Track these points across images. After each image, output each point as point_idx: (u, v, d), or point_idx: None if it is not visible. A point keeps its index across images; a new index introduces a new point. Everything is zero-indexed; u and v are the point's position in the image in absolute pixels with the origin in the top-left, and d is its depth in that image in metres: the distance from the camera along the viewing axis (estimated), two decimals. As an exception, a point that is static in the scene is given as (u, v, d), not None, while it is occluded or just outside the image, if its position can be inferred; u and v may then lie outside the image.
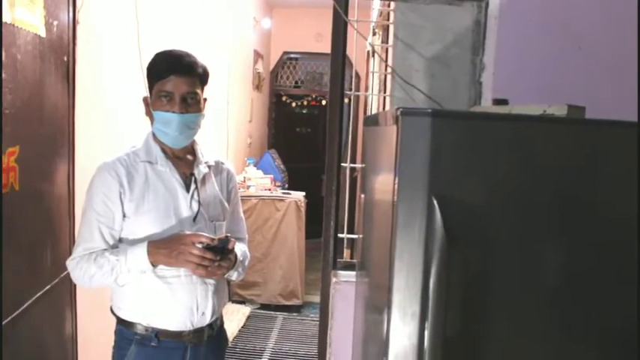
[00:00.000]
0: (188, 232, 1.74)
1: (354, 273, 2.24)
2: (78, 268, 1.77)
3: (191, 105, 1.79)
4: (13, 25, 1.85)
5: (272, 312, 5.18)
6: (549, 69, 2.07)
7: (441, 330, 1.18)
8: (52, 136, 2.22)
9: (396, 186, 1.24)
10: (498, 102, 1.78)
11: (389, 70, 2.44)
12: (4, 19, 1.76)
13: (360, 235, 2.18)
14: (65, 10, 2.28)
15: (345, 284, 2.24)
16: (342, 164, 2.38)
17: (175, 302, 1.79)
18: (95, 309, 2.33)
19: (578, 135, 1.26)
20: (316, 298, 5.68)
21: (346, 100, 8.45)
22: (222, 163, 2.02)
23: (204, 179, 1.90)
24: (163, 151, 1.84)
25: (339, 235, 2.40)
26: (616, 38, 1.99)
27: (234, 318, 4.83)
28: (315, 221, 6.82)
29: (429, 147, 1.20)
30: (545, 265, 1.27)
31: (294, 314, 5.19)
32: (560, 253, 1.27)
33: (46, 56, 2.12)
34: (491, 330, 1.28)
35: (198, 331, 1.85)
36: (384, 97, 2.84)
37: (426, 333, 1.19)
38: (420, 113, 1.21)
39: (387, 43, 2.77)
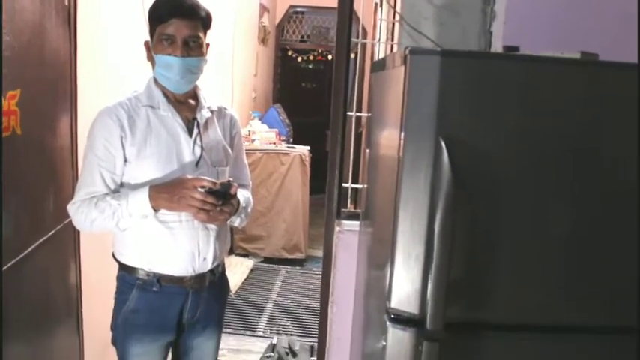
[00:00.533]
0: (190, 177, 1.72)
1: (357, 222, 2.23)
2: (79, 212, 1.76)
3: (193, 49, 1.76)
4: (12, -36, 1.80)
5: (275, 265, 5.23)
6: (561, 18, 2.01)
7: (446, 274, 1.17)
8: (53, 81, 2.19)
9: (403, 128, 1.21)
10: (509, 49, 1.73)
11: (397, 17, 2.38)
12: (2, -43, 1.71)
13: (365, 186, 2.16)
14: (66, -50, 2.22)
15: (349, 233, 2.23)
16: (348, 113, 2.35)
17: (177, 247, 1.79)
18: (99, 256, 2.33)
19: (591, 77, 1.22)
20: (319, 252, 5.71)
21: (352, 56, 8.34)
22: (226, 109, 2.00)
23: (206, 124, 1.88)
24: (165, 95, 1.81)
25: (344, 185, 2.38)
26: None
27: (238, 270, 4.87)
28: (319, 177, 6.81)
29: (437, 87, 1.17)
30: (553, 213, 1.25)
31: (297, 267, 5.24)
32: (568, 202, 1.25)
33: (46, -1, 2.07)
34: (495, 276, 1.27)
35: (199, 277, 1.85)
36: (392, 46, 2.78)
37: (430, 276, 1.17)
38: (429, 52, 1.18)
39: (396, -10, 2.69)
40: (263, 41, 6.83)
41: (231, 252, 5.33)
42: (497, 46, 2.18)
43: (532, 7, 2.06)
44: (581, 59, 1.27)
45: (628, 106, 1.23)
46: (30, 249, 1.99)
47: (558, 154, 1.24)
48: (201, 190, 1.68)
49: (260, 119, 5.86)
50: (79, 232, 2.39)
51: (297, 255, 5.32)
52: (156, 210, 1.72)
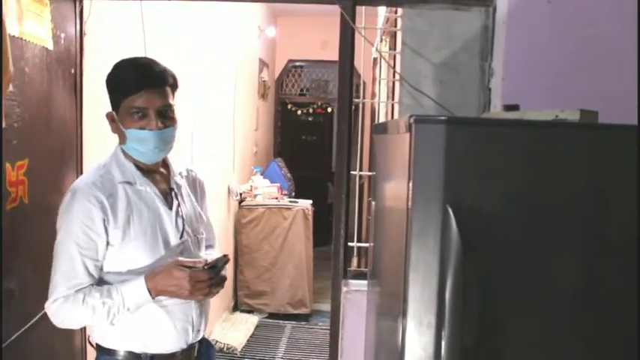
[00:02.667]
0: (185, 265, 1.63)
1: (364, 282, 2.22)
2: (62, 310, 1.58)
3: (167, 118, 1.64)
4: (21, 38, 1.85)
5: (280, 321, 5.16)
6: (559, 73, 2.06)
7: (459, 340, 1.16)
8: (60, 149, 2.22)
9: (410, 195, 1.22)
10: (509, 108, 1.76)
11: (397, 77, 2.43)
12: (12, 33, 1.76)
13: (371, 244, 2.16)
14: (72, 22, 2.29)
15: (356, 293, 2.22)
16: (352, 172, 2.37)
17: (172, 325, 1.70)
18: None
19: (592, 140, 1.24)
20: (324, 307, 5.68)
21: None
22: (192, 171, 1.90)
23: (180, 192, 1.78)
24: (137, 167, 1.68)
25: (349, 244, 2.38)
26: (625, 41, 1.97)
27: (243, 327, 4.81)
28: (321, 230, 6.84)
29: (443, 155, 1.19)
30: (563, 273, 1.25)
31: (303, 323, 5.17)
32: (577, 261, 1.25)
33: (53, 69, 2.12)
34: (508, 339, 1.26)
35: (190, 348, 1.76)
36: (392, 105, 2.82)
37: (443, 343, 1.17)
38: (433, 121, 1.20)
39: (395, 50, 2.75)
40: (263, 96, 6.94)
41: (235, 308, 5.27)
42: (496, 102, 2.22)
43: (529, 63, 2.11)
44: (581, 123, 1.29)
45: (627, 165, 1.24)
46: (37, 317, 1.98)
47: (563, 216, 1.25)
48: (206, 276, 1.62)
49: (262, 174, 5.90)
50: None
51: (303, 310, 5.26)
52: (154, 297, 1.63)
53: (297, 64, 8.17)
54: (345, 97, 2.32)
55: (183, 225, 1.73)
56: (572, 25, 2.04)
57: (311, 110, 8.55)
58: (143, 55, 1.71)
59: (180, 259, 1.64)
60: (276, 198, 5.48)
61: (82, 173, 2.40)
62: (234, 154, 5.26)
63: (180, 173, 1.81)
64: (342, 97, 2.33)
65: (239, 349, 4.38)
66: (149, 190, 1.67)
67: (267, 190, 5.51)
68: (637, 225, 1.25)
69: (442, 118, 1.19)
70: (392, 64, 2.66)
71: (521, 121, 1.30)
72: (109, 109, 1.67)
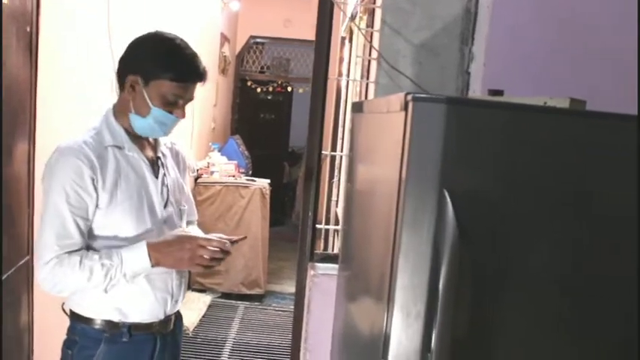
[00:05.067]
0: (192, 235, 1.66)
1: (332, 265, 2.15)
2: (55, 273, 1.53)
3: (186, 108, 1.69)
4: (-27, -13, 1.68)
5: (233, 301, 5.06)
6: (542, 60, 2.01)
7: (450, 331, 1.10)
8: (11, 112, 2.05)
9: (403, 178, 1.14)
10: (494, 93, 1.71)
11: (373, 55, 2.35)
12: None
13: (341, 227, 2.09)
14: (29, -24, 2.11)
15: (324, 277, 2.14)
16: (323, 152, 2.28)
17: (152, 293, 1.68)
18: (54, 300, 2.17)
19: (601, 128, 1.19)
20: (278, 287, 5.62)
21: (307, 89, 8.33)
22: (175, 144, 1.91)
23: (166, 162, 1.80)
24: (127, 132, 1.68)
25: (317, 226, 2.31)
26: (613, 27, 1.94)
27: (195, 307, 4.69)
28: (276, 209, 6.75)
29: (442, 136, 1.11)
30: (561, 263, 1.20)
31: (256, 303, 5.09)
32: (577, 252, 1.20)
33: (6, 25, 1.95)
34: (501, 330, 1.20)
35: (167, 320, 1.76)
36: (367, 84, 2.74)
37: (434, 335, 1.10)
38: (433, 99, 1.12)
39: (372, 27, 2.67)
40: (223, 71, 6.75)
41: (187, 287, 5.14)
42: (475, 87, 2.17)
43: (512, 49, 2.06)
44: (594, 112, 1.23)
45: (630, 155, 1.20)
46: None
47: (563, 204, 1.20)
48: (213, 249, 1.61)
49: (219, 151, 5.75)
50: (32, 274, 2.22)
51: (257, 290, 5.17)
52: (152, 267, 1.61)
53: (259, 40, 8.00)
54: (320, 73, 2.23)
55: (168, 194, 1.73)
56: (559, 11, 2.00)
57: (271, 88, 8.42)
58: (179, 39, 1.68)
59: (190, 233, 1.67)
60: (234, 176, 5.36)
61: (34, 141, 2.24)
62: (193, 129, 5.10)
63: (165, 144, 1.81)
64: (316, 73, 2.24)
65: (191, 329, 4.26)
66: (137, 157, 1.69)
67: (224, 168, 5.37)
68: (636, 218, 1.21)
69: (442, 97, 1.11)
70: (369, 41, 2.58)
71: (529, 106, 1.24)
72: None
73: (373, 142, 1.54)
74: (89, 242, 1.60)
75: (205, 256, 1.60)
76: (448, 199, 1.11)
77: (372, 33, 2.40)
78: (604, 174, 1.21)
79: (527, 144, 1.17)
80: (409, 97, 1.14)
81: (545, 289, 1.21)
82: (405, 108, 1.16)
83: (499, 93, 1.70)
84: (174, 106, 1.63)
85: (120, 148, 1.65)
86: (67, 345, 1.68)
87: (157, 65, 1.60)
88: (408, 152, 1.14)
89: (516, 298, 1.20)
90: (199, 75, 1.64)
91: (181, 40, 1.68)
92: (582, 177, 1.20)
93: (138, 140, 1.71)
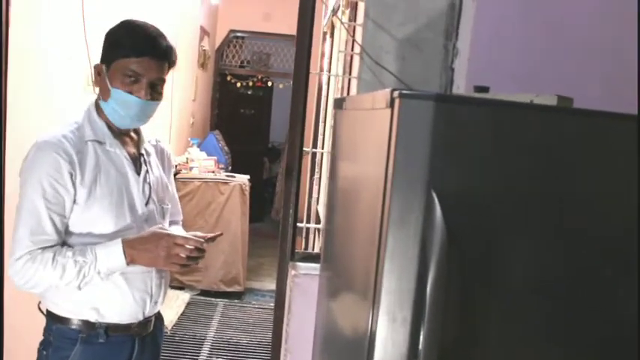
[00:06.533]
0: (166, 232, 1.60)
1: (314, 265, 2.11)
2: (27, 269, 1.49)
3: (156, 92, 1.62)
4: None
5: (212, 298, 5.00)
6: (529, 57, 1.98)
7: (438, 337, 1.06)
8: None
9: (389, 178, 1.10)
10: (480, 89, 1.67)
11: (356, 50, 2.30)
12: None
13: (324, 226, 2.04)
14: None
15: (305, 277, 2.10)
16: (305, 149, 2.23)
17: (130, 293, 1.63)
18: (24, 300, 2.10)
19: (591, 127, 1.15)
20: (257, 285, 5.57)
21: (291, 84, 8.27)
22: (159, 141, 1.87)
23: (149, 160, 1.75)
24: (109, 128, 1.64)
25: (298, 225, 2.25)
26: (600, 24, 1.91)
27: (173, 304, 4.62)
28: (255, 205, 6.68)
29: (429, 135, 1.07)
30: (552, 267, 1.17)
31: (236, 301, 5.04)
32: (562, 251, 1.17)
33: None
34: (490, 335, 1.17)
35: (146, 321, 1.71)
36: (349, 80, 2.69)
37: (421, 340, 1.06)
38: (421, 96, 1.08)
39: (355, 22, 2.62)
40: (202, 65, 6.66)
41: (166, 283, 5.07)
42: (459, 83, 2.13)
43: (498, 45, 2.02)
44: (588, 110, 1.19)
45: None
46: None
47: (554, 205, 1.16)
48: (189, 247, 1.57)
49: (198, 146, 5.67)
50: (2, 275, 2.15)
51: (236, 288, 5.11)
52: (128, 265, 1.56)
53: (239, 34, 7.90)
54: (302, 68, 2.17)
55: (150, 192, 1.68)
56: (545, 7, 1.96)
57: (251, 83, 8.34)
58: (143, 22, 1.64)
59: (165, 230, 1.61)
60: (213, 172, 5.28)
61: (4, 133, 2.16)
62: (172, 123, 5.01)
63: (149, 141, 1.77)
64: (298, 67, 2.19)
65: (169, 327, 4.19)
66: (118, 152, 1.65)
67: (203, 164, 5.30)
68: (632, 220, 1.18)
69: (430, 93, 1.07)
70: (352, 36, 2.53)
71: (519, 104, 1.20)
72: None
73: (357, 139, 1.50)
74: (68, 239, 1.57)
75: (182, 255, 1.56)
76: (436, 200, 1.06)
77: (354, 27, 2.35)
78: (594, 172, 1.18)
79: (518, 142, 1.14)
80: (396, 94, 1.09)
81: (536, 292, 1.17)
82: (392, 105, 1.11)
83: (485, 90, 1.67)
84: (135, 85, 1.57)
85: (101, 143, 1.61)
86: (43, 346, 1.65)
87: (114, 46, 1.59)
88: (394, 151, 1.09)
89: (506, 301, 1.16)
90: (155, 49, 1.57)
91: (150, 25, 1.64)
92: (572, 176, 1.17)
93: (120, 136, 1.67)
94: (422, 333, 1.07)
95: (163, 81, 1.63)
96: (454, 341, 1.12)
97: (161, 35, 1.62)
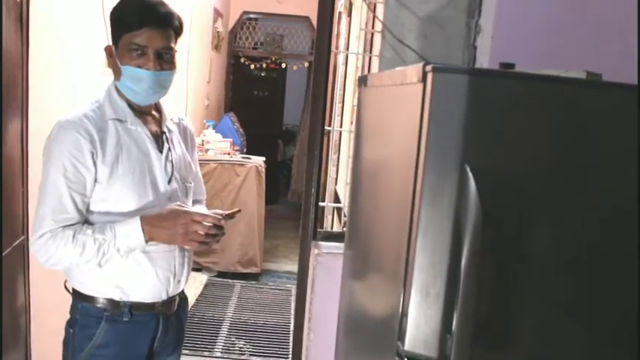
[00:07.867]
0: (185, 209, 1.59)
1: (337, 244, 2.11)
2: (48, 246, 1.51)
3: (166, 61, 1.59)
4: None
5: (230, 280, 5.03)
6: (552, 34, 1.95)
7: (473, 312, 1.05)
8: (3, 88, 1.97)
9: (422, 154, 1.09)
10: (505, 66, 1.65)
11: (377, 28, 2.28)
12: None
13: (347, 205, 2.04)
14: (20, -56, 2.02)
15: (329, 256, 2.10)
16: (326, 128, 2.23)
17: (154, 272, 1.64)
18: (50, 280, 2.12)
19: (623, 100, 1.13)
20: (274, 266, 5.59)
21: (306, 64, 8.18)
22: (182, 120, 1.86)
23: (171, 138, 1.74)
24: (130, 107, 1.64)
25: (320, 204, 2.25)
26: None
27: (191, 286, 4.66)
28: (270, 188, 6.68)
29: (464, 109, 1.06)
30: (584, 240, 1.15)
31: (253, 282, 5.06)
32: (600, 228, 1.15)
33: (-3, -6, 1.87)
34: (524, 314, 1.16)
35: (170, 301, 1.72)
36: (370, 58, 2.67)
37: (455, 317, 1.06)
38: (455, 70, 1.07)
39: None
40: (216, 47, 6.64)
41: (185, 267, 5.10)
42: (482, 62, 2.11)
43: (522, 21, 1.99)
44: (622, 83, 1.17)
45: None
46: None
47: (592, 182, 1.15)
48: (207, 224, 1.55)
49: (214, 128, 5.67)
50: (28, 255, 2.17)
51: (253, 269, 5.13)
52: (147, 242, 1.56)
53: (252, 16, 7.86)
54: (323, 47, 2.16)
55: (172, 170, 1.68)
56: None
57: (264, 65, 8.30)
58: None
59: (183, 207, 1.59)
60: (229, 153, 5.29)
61: (27, 117, 2.17)
62: (187, 105, 5.01)
63: (171, 119, 1.76)
64: (319, 47, 2.17)
65: (188, 309, 4.22)
66: (140, 130, 1.64)
67: (219, 145, 5.30)
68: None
69: (464, 67, 1.05)
70: (371, 16, 2.50)
71: (556, 78, 1.18)
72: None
73: (384, 116, 1.49)
74: (90, 217, 1.58)
75: (200, 232, 1.56)
76: (470, 175, 1.06)
77: (374, 5, 2.32)
78: (628, 147, 1.16)
79: (551, 117, 1.12)
80: (428, 68, 1.08)
81: (570, 269, 1.16)
82: (424, 79, 1.10)
83: (511, 66, 1.65)
84: (142, 58, 1.56)
85: (122, 121, 1.61)
86: (69, 324, 1.67)
87: (117, 24, 1.58)
88: (427, 126, 1.08)
89: (537, 278, 1.16)
90: (154, 17, 1.55)
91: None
92: (605, 151, 1.15)
93: (142, 115, 1.67)
94: (455, 309, 1.06)
95: (172, 49, 1.60)
96: (487, 316, 1.11)
97: (160, 3, 1.59)
